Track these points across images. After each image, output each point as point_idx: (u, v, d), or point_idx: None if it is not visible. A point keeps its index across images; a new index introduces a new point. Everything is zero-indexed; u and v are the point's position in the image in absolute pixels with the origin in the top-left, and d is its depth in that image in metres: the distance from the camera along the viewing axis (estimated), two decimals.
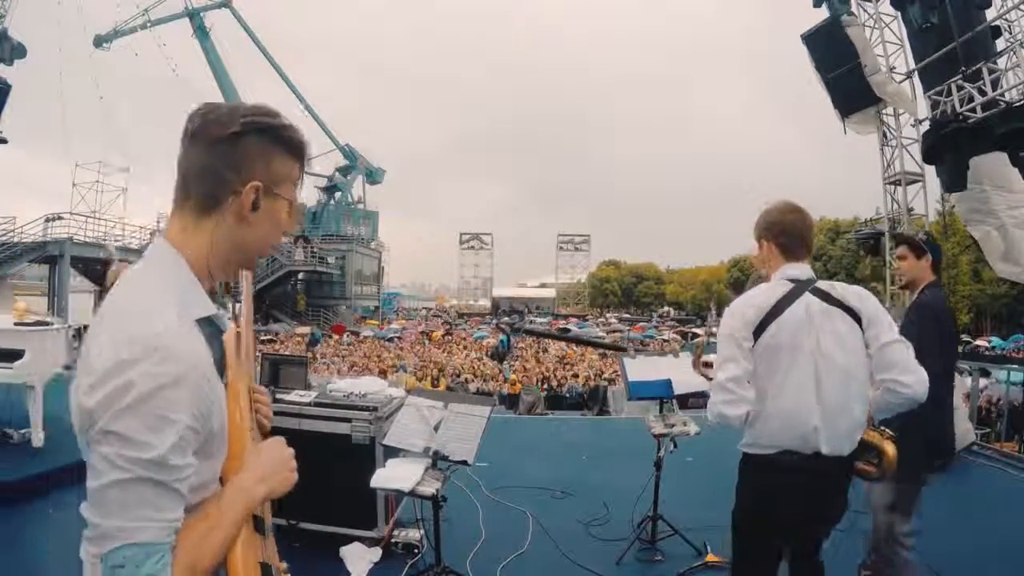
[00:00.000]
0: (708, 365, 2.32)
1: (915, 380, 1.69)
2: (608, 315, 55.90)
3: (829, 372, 1.70)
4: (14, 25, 13.50)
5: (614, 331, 35.03)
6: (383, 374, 14.11)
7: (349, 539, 3.04)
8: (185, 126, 0.87)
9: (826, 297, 1.75)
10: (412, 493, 2.39)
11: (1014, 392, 7.56)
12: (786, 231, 1.84)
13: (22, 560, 2.98)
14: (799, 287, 1.77)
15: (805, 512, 1.77)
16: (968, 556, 3.20)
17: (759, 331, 1.72)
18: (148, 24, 26.67)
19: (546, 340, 22.83)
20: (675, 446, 3.21)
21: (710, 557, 3.04)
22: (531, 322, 49.70)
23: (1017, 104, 7.12)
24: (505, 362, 16.08)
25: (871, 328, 1.73)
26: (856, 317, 1.73)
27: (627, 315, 58.98)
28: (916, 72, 8.93)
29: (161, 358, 0.73)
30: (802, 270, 1.82)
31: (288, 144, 0.89)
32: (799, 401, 1.70)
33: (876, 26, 9.52)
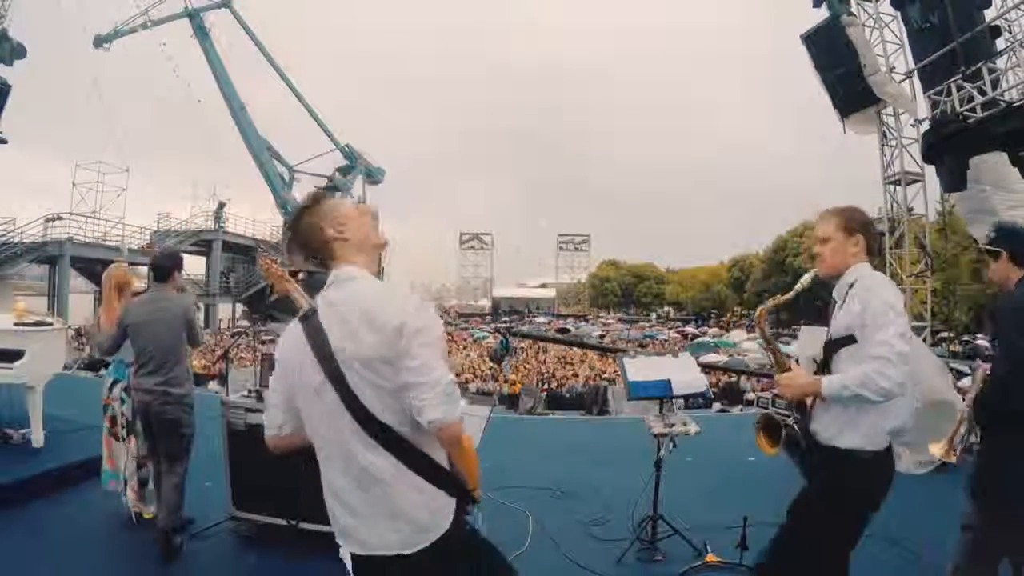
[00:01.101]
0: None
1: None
2: (605, 316, 55.85)
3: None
4: (14, 25, 13.50)
5: (612, 331, 35.06)
6: None
7: None
8: (290, 251, 1.51)
9: None
10: None
11: None
12: (875, 238, 2.00)
13: (22, 560, 2.98)
14: None
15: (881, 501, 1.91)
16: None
17: None
18: (148, 24, 26.65)
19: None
20: (675, 446, 3.21)
21: (710, 557, 3.04)
22: (529, 322, 49.68)
23: (1017, 104, 7.11)
24: (505, 361, 16.07)
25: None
26: None
27: (624, 316, 58.95)
28: (916, 72, 8.92)
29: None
30: None
31: (316, 205, 1.46)
32: (908, 391, 1.80)
33: (876, 26, 9.51)
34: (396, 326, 1.27)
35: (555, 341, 22.16)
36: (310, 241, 1.42)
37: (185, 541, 3.15)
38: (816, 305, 8.85)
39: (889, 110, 9.87)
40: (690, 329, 38.78)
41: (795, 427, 2.01)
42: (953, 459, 2.44)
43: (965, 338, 24.76)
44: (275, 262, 3.10)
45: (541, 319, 52.22)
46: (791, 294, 2.23)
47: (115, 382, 3.45)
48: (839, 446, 1.84)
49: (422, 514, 1.32)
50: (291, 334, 1.42)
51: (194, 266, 26.83)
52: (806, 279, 2.22)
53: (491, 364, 16.35)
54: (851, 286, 1.92)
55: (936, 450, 2.45)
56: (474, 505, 1.43)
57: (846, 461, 1.84)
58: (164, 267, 3.26)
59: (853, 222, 1.99)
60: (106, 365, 3.65)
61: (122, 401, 3.42)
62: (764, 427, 2.14)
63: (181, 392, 3.14)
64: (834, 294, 2.01)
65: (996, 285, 2.42)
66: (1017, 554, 2.26)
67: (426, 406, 1.26)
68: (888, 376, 1.70)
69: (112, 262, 4.15)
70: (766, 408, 3.93)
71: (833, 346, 1.92)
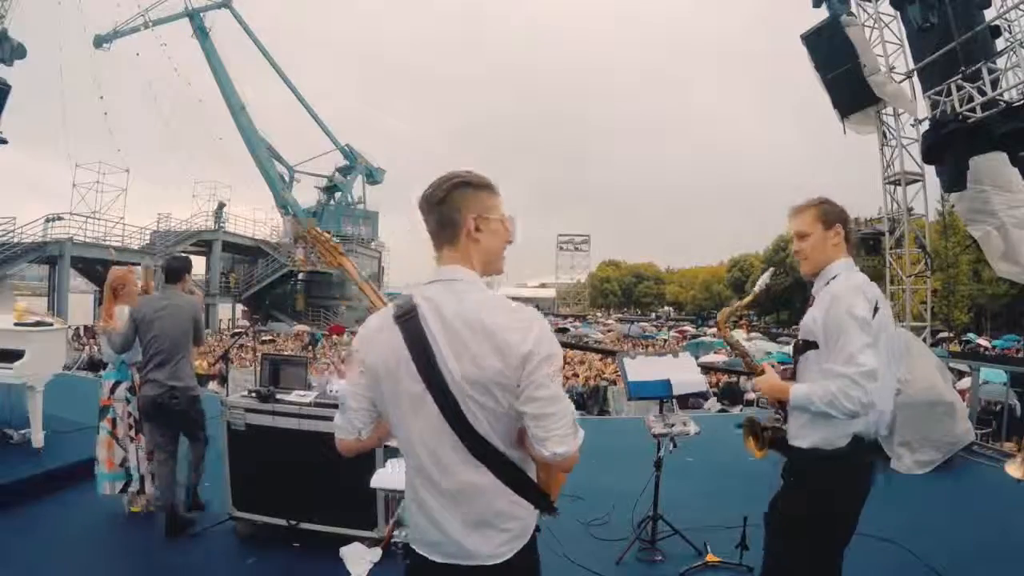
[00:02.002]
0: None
1: (907, 379, 1.85)
2: (604, 318, 55.80)
3: (893, 362, 1.84)
4: (14, 25, 13.50)
5: (610, 331, 35.11)
6: None
7: (349, 539, 3.04)
8: (420, 205, 1.30)
9: None
10: None
11: (992, 391, 7.63)
12: (853, 231, 1.93)
13: (22, 560, 2.98)
14: None
15: (863, 500, 1.84)
16: (968, 555, 3.19)
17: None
18: (148, 24, 26.66)
19: None
20: (675, 446, 3.21)
21: (710, 557, 3.04)
22: None
23: (1017, 104, 7.10)
24: None
25: (895, 327, 1.95)
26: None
27: (623, 316, 58.90)
28: (916, 72, 8.92)
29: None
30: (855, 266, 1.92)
31: (482, 186, 1.29)
32: (888, 386, 1.79)
33: (876, 26, 9.50)
34: (524, 354, 1.17)
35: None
36: (448, 213, 1.26)
37: (196, 523, 3.35)
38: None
39: (889, 110, 9.86)
40: (689, 328, 38.76)
41: (784, 428, 1.98)
42: None
43: (965, 338, 24.77)
44: (327, 233, 2.81)
45: None
46: (749, 298, 2.23)
47: (118, 383, 3.53)
48: (801, 446, 1.82)
49: (514, 526, 1.28)
50: (383, 334, 1.27)
51: (194, 266, 26.78)
52: (763, 280, 2.20)
53: None
54: (828, 284, 1.86)
55: (1013, 470, 2.51)
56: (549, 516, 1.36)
57: (807, 461, 1.82)
58: (175, 269, 3.53)
59: (831, 214, 1.93)
60: (107, 366, 3.68)
61: (127, 400, 3.51)
62: (750, 430, 2.10)
63: (186, 385, 3.36)
64: (813, 290, 1.94)
65: None
66: None
67: (552, 438, 1.19)
68: (853, 398, 1.66)
69: (111, 262, 4.29)
70: (766, 408, 3.94)
71: (799, 348, 1.88)
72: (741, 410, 11.40)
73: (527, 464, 1.29)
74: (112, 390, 3.52)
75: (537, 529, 1.35)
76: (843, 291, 1.78)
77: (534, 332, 1.19)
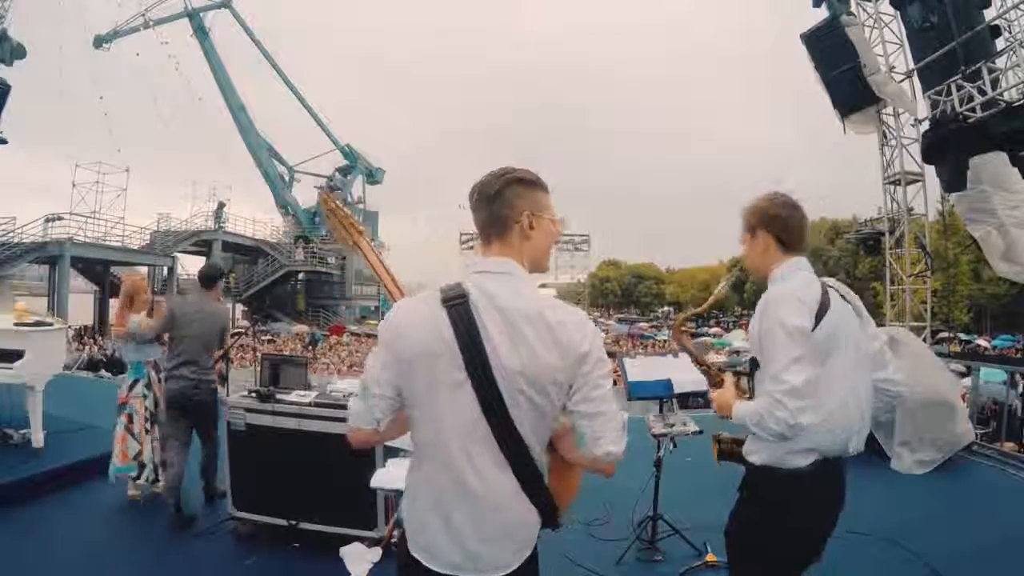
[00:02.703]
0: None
1: (903, 378, 1.69)
2: (604, 320, 55.83)
3: (861, 370, 1.65)
4: (14, 25, 13.51)
5: (607, 331, 35.18)
6: None
7: (349, 539, 3.04)
8: (471, 196, 1.30)
9: (838, 293, 1.71)
10: None
11: (991, 390, 7.64)
12: (790, 228, 1.72)
13: (22, 560, 2.98)
14: (821, 281, 1.68)
15: (829, 519, 1.70)
16: (968, 555, 3.19)
17: (815, 325, 1.57)
18: (148, 24, 26.64)
19: None
20: (675, 446, 3.21)
21: (710, 557, 3.04)
22: None
23: (1017, 104, 7.11)
24: None
25: (867, 327, 1.71)
26: (857, 315, 1.71)
27: (623, 317, 58.93)
28: (916, 72, 8.92)
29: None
30: (808, 265, 1.72)
31: (535, 183, 1.30)
32: (847, 402, 1.61)
33: (876, 26, 9.51)
34: (584, 352, 1.17)
35: None
36: (502, 209, 1.25)
37: (215, 508, 3.58)
38: None
39: (889, 110, 9.87)
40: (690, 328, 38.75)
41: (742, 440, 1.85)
42: None
43: (961, 337, 24.76)
44: (343, 204, 2.35)
45: None
46: (705, 305, 2.21)
47: (136, 381, 3.79)
48: (754, 462, 1.69)
49: (524, 536, 1.24)
50: (424, 317, 1.21)
51: (194, 266, 26.79)
52: (720, 288, 2.14)
53: None
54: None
55: None
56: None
57: (760, 475, 1.69)
58: (211, 276, 3.80)
59: (752, 218, 1.77)
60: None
61: (143, 396, 3.78)
62: (715, 440, 1.98)
63: (209, 379, 3.61)
64: None
65: None
66: None
67: (604, 438, 1.19)
68: (777, 419, 1.51)
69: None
70: None
71: (752, 362, 1.72)
72: None
73: (545, 471, 1.26)
74: (131, 388, 3.78)
75: (558, 528, 1.31)
76: (774, 298, 1.63)
77: (591, 332, 1.20)
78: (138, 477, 3.71)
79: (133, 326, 3.65)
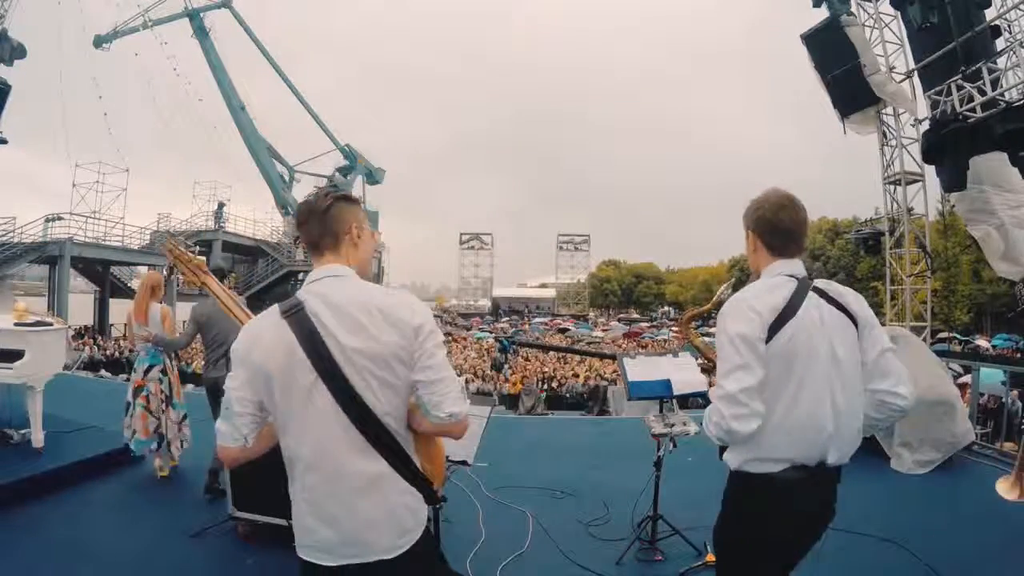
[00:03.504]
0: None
1: (909, 392, 1.60)
2: (604, 322, 55.79)
3: (841, 379, 1.58)
4: (14, 25, 13.49)
5: (607, 330, 35.23)
6: None
7: None
8: (300, 213, 1.43)
9: (827, 298, 1.63)
10: None
11: (991, 390, 7.64)
12: (777, 230, 1.68)
13: (22, 560, 2.98)
14: (803, 285, 1.62)
15: (809, 528, 1.67)
16: (968, 555, 3.20)
17: (772, 333, 1.55)
18: (148, 24, 26.63)
19: (547, 339, 22.91)
20: (675, 446, 3.21)
21: (710, 557, 3.03)
22: (528, 321, 49.63)
23: (1017, 104, 7.11)
24: (506, 365, 16.12)
25: (868, 334, 1.63)
26: (853, 320, 1.62)
27: (623, 317, 58.89)
28: (916, 72, 8.92)
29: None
30: (796, 268, 1.68)
31: (356, 201, 1.47)
32: (816, 411, 1.56)
33: (876, 26, 9.51)
34: (416, 326, 1.30)
35: (559, 349, 22.29)
36: (334, 223, 1.40)
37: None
38: None
39: (889, 110, 9.87)
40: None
41: None
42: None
43: (964, 338, 24.77)
44: (184, 246, 2.57)
45: (539, 319, 52.21)
46: (709, 306, 2.18)
47: (151, 366, 4.14)
48: (730, 467, 1.68)
49: (407, 517, 1.33)
50: (268, 332, 1.31)
51: None
52: (722, 292, 2.13)
53: (493, 366, 16.38)
54: None
55: (1004, 490, 2.40)
56: (438, 506, 1.45)
57: (736, 481, 1.69)
58: (225, 271, 3.94)
59: (744, 219, 1.77)
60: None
61: (159, 380, 4.14)
62: None
63: None
64: None
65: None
66: None
67: (445, 400, 1.30)
68: (714, 423, 1.56)
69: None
70: None
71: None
72: None
73: (412, 451, 1.36)
74: (146, 372, 4.12)
75: (440, 504, 1.44)
76: (727, 305, 1.64)
77: (418, 309, 1.34)
78: (158, 447, 4.09)
79: (162, 335, 4.09)
